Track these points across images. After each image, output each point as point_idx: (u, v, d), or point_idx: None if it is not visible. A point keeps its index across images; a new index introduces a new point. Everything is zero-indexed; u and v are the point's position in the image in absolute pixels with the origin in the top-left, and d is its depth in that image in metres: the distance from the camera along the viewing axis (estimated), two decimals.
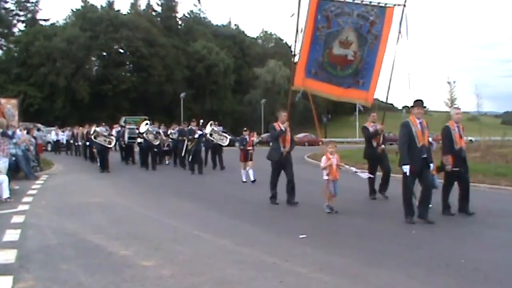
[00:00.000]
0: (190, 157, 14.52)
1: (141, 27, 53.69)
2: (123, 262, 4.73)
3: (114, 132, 18.68)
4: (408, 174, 6.60)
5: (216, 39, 64.48)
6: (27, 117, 31.65)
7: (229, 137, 16.04)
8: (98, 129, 15.74)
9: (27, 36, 48.83)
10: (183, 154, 15.26)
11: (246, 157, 12.22)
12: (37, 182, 11.98)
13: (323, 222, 7.02)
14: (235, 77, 62.44)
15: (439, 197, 7.38)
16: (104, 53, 54.59)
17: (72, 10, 56.71)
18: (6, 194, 8.81)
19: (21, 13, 54.94)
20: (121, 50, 55.16)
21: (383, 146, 9.26)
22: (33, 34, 48.14)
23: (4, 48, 52.71)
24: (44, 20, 55.65)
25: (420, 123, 6.79)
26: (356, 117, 55.01)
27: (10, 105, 17.89)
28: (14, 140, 10.96)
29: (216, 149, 15.83)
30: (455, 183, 7.42)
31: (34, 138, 15.33)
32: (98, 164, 15.45)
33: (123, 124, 26.56)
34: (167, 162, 18.05)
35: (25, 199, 9.00)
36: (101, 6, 57.01)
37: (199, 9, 70.22)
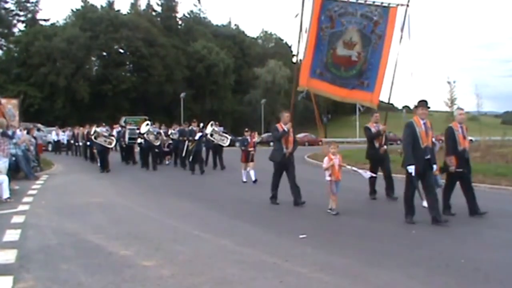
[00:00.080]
0: (191, 157, 14.52)
1: (141, 27, 53.70)
2: (123, 262, 4.73)
3: (114, 132, 18.70)
4: (413, 174, 6.56)
5: (216, 39, 64.51)
6: (27, 117, 31.66)
7: (229, 137, 16.03)
8: (98, 129, 15.74)
9: (27, 36, 48.83)
10: (183, 154, 15.25)
11: (247, 158, 12.17)
12: (37, 182, 11.97)
13: (323, 222, 7.01)
14: (235, 77, 62.47)
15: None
16: (104, 53, 54.61)
17: (72, 10, 56.87)
18: (6, 194, 8.81)
19: (21, 13, 54.96)
20: (121, 50, 55.18)
21: (385, 146, 9.21)
22: (33, 34, 48.14)
23: (4, 48, 52.72)
24: (44, 20, 55.76)
25: (424, 123, 6.74)
26: (356, 117, 55.07)
27: (11, 105, 17.90)
28: (14, 140, 10.97)
29: (217, 149, 15.83)
30: (457, 184, 7.40)
31: (34, 138, 15.33)
32: (98, 164, 15.46)
33: (123, 124, 26.58)
34: (167, 162, 18.05)
35: (25, 199, 9.00)
36: (101, 6, 57.15)
37: (199, 9, 70.41)
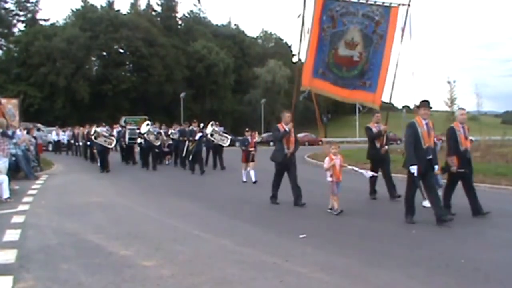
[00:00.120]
0: (191, 157, 14.51)
1: (141, 27, 53.70)
2: (123, 262, 4.73)
3: (115, 132, 18.70)
4: (416, 174, 6.53)
5: (216, 39, 64.51)
6: (27, 117, 31.66)
7: (229, 137, 16.03)
8: (98, 129, 15.73)
9: (27, 36, 48.82)
10: (184, 154, 15.25)
11: (247, 158, 12.13)
12: (37, 182, 11.98)
13: (323, 222, 7.01)
14: (235, 77, 62.47)
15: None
16: (104, 53, 54.61)
17: (72, 10, 56.86)
18: (6, 194, 8.81)
19: (21, 13, 54.96)
20: (121, 50, 55.17)
21: (386, 147, 9.20)
22: (33, 34, 48.13)
23: (4, 48, 52.72)
24: (44, 20, 55.77)
25: (426, 124, 6.71)
26: (356, 117, 55.08)
27: (11, 105, 17.89)
28: (14, 140, 10.97)
29: (217, 149, 15.83)
30: (459, 184, 7.38)
31: (34, 138, 15.34)
32: (98, 164, 15.46)
33: (123, 124, 26.59)
34: (167, 162, 18.05)
35: (25, 199, 9.00)
36: (101, 6, 57.16)
37: (199, 9, 70.41)
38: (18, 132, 12.51)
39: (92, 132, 16.14)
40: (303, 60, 8.65)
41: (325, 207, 7.64)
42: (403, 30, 8.41)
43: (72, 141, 24.54)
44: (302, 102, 22.78)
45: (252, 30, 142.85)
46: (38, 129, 24.52)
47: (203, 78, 58.10)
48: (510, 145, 20.28)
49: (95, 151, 16.38)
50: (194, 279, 4.17)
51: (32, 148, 13.96)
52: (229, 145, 16.07)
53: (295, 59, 74.70)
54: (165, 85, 53.57)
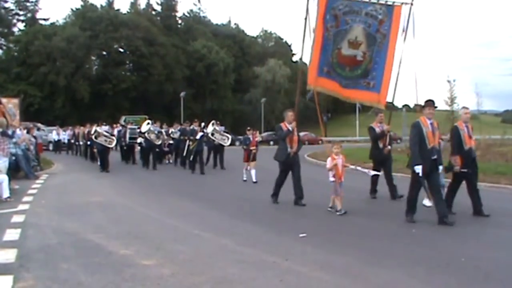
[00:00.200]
0: (192, 156, 14.51)
1: (141, 26, 53.66)
2: (124, 261, 4.73)
3: (115, 132, 18.69)
4: (420, 174, 6.49)
5: (216, 38, 64.47)
6: (27, 116, 31.63)
7: (230, 137, 16.02)
8: (99, 129, 15.73)
9: (27, 35, 48.80)
10: (184, 154, 15.24)
11: (249, 157, 12.11)
12: (37, 181, 11.97)
13: (323, 221, 7.01)
14: (235, 76, 62.44)
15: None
16: (104, 53, 54.57)
17: (71, 9, 56.78)
18: (6, 193, 8.80)
19: (21, 12, 54.95)
20: (121, 50, 55.14)
21: (389, 147, 9.18)
22: (33, 33, 48.11)
23: (4, 47, 52.70)
24: (44, 19, 55.76)
25: (431, 123, 6.66)
26: (356, 116, 55.07)
27: (12, 105, 17.89)
28: (14, 140, 10.97)
29: (218, 149, 15.82)
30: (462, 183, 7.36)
31: (34, 137, 15.33)
32: (98, 163, 15.46)
33: (123, 123, 26.58)
34: (167, 162, 18.05)
35: (25, 199, 8.99)
36: (101, 5, 57.10)
37: (199, 8, 70.29)
38: (18, 131, 12.51)
39: (92, 132, 16.14)
40: (306, 60, 8.67)
41: (325, 206, 7.64)
42: (406, 29, 8.42)
43: (72, 141, 24.54)
44: (302, 101, 22.78)
45: (252, 29, 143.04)
46: (38, 129, 24.52)
47: (203, 77, 58.08)
48: (510, 144, 20.28)
49: (95, 150, 16.38)
50: (195, 278, 4.17)
51: (32, 147, 13.96)
52: (229, 145, 16.07)
53: (295, 58, 75.07)
54: (165, 84, 53.55)
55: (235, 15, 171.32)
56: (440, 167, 6.81)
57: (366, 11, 8.35)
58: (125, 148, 18.63)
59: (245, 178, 12.11)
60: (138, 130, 17.42)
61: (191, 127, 15.07)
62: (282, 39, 78.42)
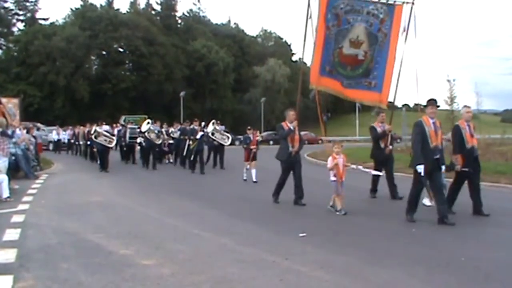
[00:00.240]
0: (192, 156, 14.50)
1: (141, 26, 53.64)
2: (123, 261, 4.73)
3: (115, 131, 18.69)
4: (422, 174, 6.47)
5: (215, 37, 64.43)
6: (27, 116, 31.61)
7: (230, 136, 16.02)
8: (99, 128, 15.72)
9: (26, 35, 48.76)
10: (184, 153, 15.24)
11: (249, 156, 12.08)
12: (37, 181, 11.97)
13: (323, 220, 7.01)
14: (234, 76, 62.42)
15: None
16: (104, 52, 54.54)
17: (71, 9, 56.74)
18: (6, 193, 8.80)
19: (21, 12, 54.92)
20: (121, 49, 55.13)
21: (391, 147, 9.17)
22: (33, 33, 48.07)
23: (4, 47, 52.66)
24: (44, 19, 55.73)
25: (434, 123, 6.63)
26: (356, 116, 55.05)
27: (12, 104, 17.89)
28: (13, 140, 10.96)
29: (218, 149, 15.81)
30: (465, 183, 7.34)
31: (34, 137, 15.33)
32: (98, 163, 15.45)
33: (123, 123, 26.58)
34: (167, 161, 18.04)
35: (25, 199, 8.99)
36: (101, 5, 57.05)
37: (199, 8, 70.22)
38: (17, 131, 12.50)
39: (92, 132, 16.14)
40: (306, 60, 8.68)
41: (325, 206, 7.64)
42: (407, 28, 8.41)
43: (72, 141, 24.53)
44: (302, 100, 22.79)
45: (251, 29, 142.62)
46: (38, 129, 24.51)
47: (202, 77, 58.05)
48: (510, 144, 20.26)
49: (95, 150, 16.38)
50: (194, 278, 4.17)
51: (31, 147, 13.95)
52: (229, 144, 16.07)
53: (295, 58, 75.09)
54: (164, 84, 53.53)
55: (234, 15, 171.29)
56: (443, 167, 6.79)
57: (367, 10, 8.35)
58: (125, 148, 18.65)
59: (245, 178, 12.10)
60: (138, 130, 17.41)
61: (191, 126, 15.07)
62: (281, 38, 78.44)
